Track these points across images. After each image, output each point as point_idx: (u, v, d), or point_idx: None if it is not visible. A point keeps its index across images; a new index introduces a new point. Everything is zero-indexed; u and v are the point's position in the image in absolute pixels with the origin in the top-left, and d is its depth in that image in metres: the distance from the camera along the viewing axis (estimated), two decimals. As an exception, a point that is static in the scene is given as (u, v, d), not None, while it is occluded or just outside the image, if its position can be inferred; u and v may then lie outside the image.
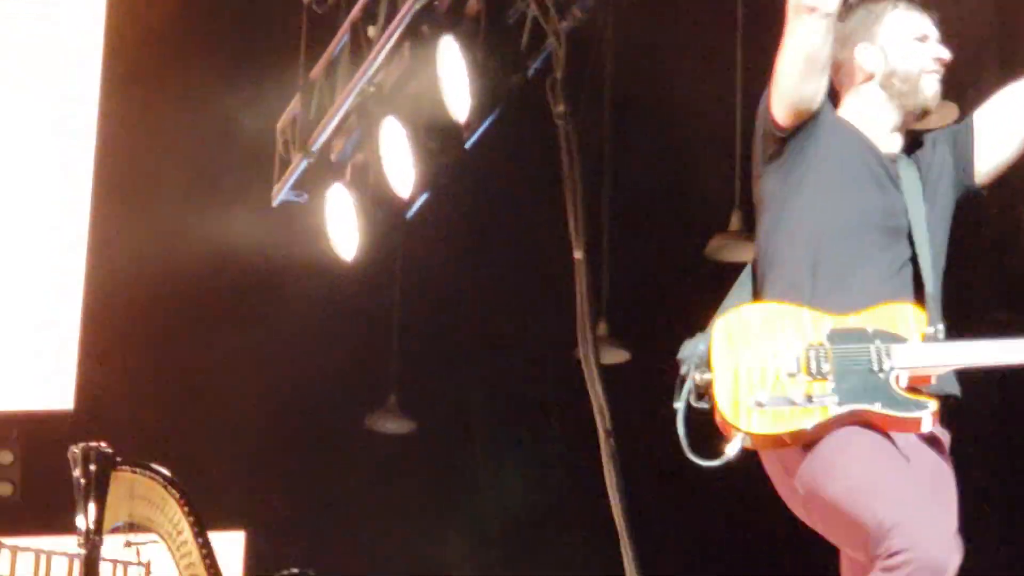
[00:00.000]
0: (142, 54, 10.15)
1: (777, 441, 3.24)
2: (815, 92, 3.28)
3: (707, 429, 3.21)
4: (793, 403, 3.16)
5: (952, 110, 3.95)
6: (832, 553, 3.32)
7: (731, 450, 3.18)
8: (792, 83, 3.30)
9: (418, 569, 8.22)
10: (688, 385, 3.31)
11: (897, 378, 3.19)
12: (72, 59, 11.04)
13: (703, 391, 3.30)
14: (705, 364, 3.32)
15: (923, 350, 3.23)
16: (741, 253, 6.49)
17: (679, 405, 3.26)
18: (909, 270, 3.34)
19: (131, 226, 9.88)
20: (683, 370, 3.34)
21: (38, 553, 7.69)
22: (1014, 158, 3.50)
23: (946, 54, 3.39)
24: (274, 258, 8.76)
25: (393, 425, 8.84)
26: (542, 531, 8.29)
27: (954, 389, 3.28)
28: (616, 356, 7.40)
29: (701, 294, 3.61)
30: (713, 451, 3.21)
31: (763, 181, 3.45)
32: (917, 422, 3.17)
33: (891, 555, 2.91)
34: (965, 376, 3.27)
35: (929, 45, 3.39)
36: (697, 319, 3.35)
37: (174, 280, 9.04)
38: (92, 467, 5.25)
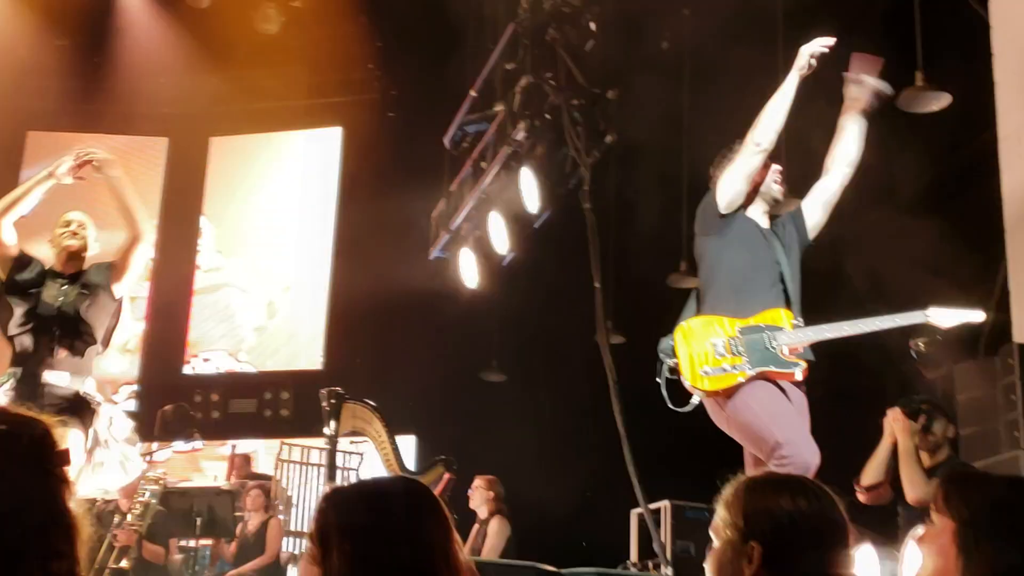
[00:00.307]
0: (362, 173, 11.47)
1: (717, 394, 4.05)
2: (742, 195, 4.14)
3: (678, 389, 4.08)
4: (724, 371, 4.03)
5: (794, 202, 4.44)
6: (740, 451, 4.07)
7: (693, 401, 4.14)
8: (736, 189, 4.10)
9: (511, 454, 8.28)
10: (665, 365, 4.16)
11: (781, 350, 4.04)
12: (325, 181, 12.12)
13: (672, 368, 4.14)
14: (672, 353, 4.14)
15: (793, 334, 4.09)
16: (688, 283, 7.49)
17: (660, 378, 4.17)
18: (781, 289, 4.15)
19: (357, 265, 11.11)
20: (661, 357, 4.19)
21: (305, 448, 9.44)
22: (824, 222, 4.28)
23: (780, 168, 4.24)
24: (431, 286, 9.51)
25: (494, 376, 9.90)
26: (573, 435, 8.92)
27: (810, 356, 4.11)
28: (617, 339, 8.25)
29: (668, 307, 4.61)
30: (682, 402, 4.10)
31: (704, 242, 4.29)
32: (793, 374, 4.05)
33: (781, 457, 3.75)
34: (816, 347, 4.12)
35: (773, 169, 4.22)
36: (666, 321, 4.25)
37: (381, 295, 9.95)
38: (332, 401, 5.53)
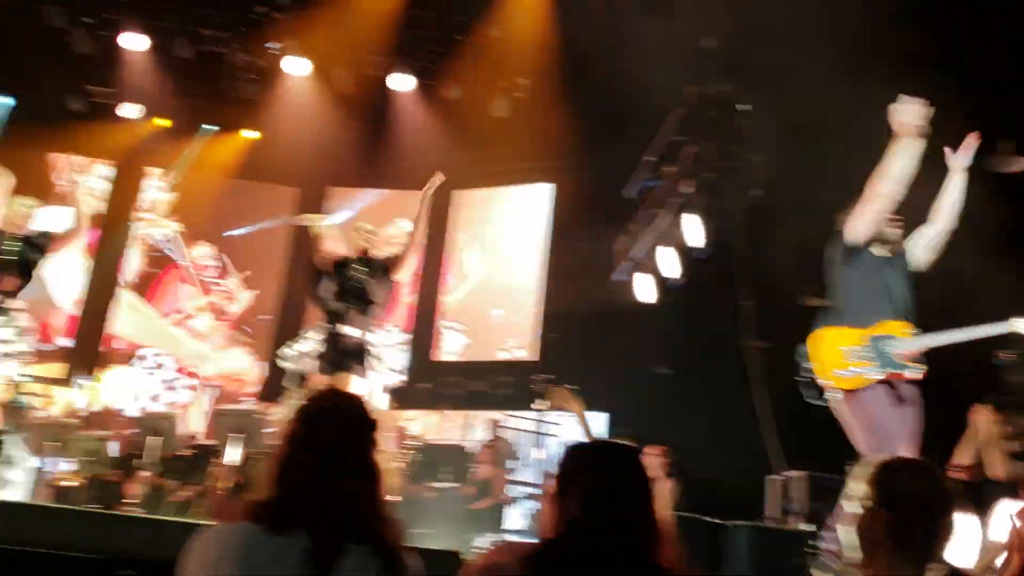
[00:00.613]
0: (566, 216, 11.78)
1: (844, 391, 3.94)
2: (865, 235, 3.99)
3: (812, 386, 4.05)
4: (854, 373, 3.92)
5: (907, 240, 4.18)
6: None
7: (827, 396, 4.04)
8: (860, 230, 3.97)
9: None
10: (802, 366, 4.09)
11: (900, 355, 3.90)
12: (538, 222, 12.29)
13: (808, 369, 4.06)
14: (808, 357, 4.07)
15: (909, 342, 3.96)
16: (816, 302, 6.01)
17: (799, 376, 4.11)
18: (896, 308, 4.03)
19: (562, 283, 11.22)
20: (798, 360, 4.13)
21: (521, 418, 9.48)
22: (929, 259, 4.15)
23: (897, 215, 4.04)
24: (616, 301, 9.63)
25: (663, 370, 9.36)
26: (725, 418, 8.29)
27: (922, 361, 3.94)
28: (759, 345, 7.93)
29: (799, 320, 4.51)
30: (816, 396, 4.06)
31: (834, 269, 4.14)
32: (909, 375, 3.92)
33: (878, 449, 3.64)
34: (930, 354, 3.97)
35: (891, 215, 4.02)
36: (798, 331, 4.19)
37: (579, 307, 10.03)
38: (544, 385, 6.43)
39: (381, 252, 5.97)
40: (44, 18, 11.11)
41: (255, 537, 1.70)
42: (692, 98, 8.22)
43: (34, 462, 7.04)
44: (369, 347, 5.74)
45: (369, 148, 12.52)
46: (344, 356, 5.60)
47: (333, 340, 5.66)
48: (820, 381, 3.99)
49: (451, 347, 12.53)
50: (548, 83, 10.74)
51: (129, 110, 12.32)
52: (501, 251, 12.44)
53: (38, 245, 5.34)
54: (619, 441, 2.10)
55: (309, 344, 5.78)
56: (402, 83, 11.59)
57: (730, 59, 8.22)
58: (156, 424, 7.98)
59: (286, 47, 10.93)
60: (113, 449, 8.98)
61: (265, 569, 1.68)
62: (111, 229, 12.77)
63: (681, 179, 8.40)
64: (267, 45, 10.61)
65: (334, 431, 1.82)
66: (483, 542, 7.94)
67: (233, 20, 10.77)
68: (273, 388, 11.37)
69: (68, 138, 12.33)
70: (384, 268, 5.85)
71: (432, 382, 10.48)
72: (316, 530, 1.71)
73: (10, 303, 5.24)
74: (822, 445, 5.02)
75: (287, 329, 11.39)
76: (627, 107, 9.69)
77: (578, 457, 1.92)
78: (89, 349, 12.45)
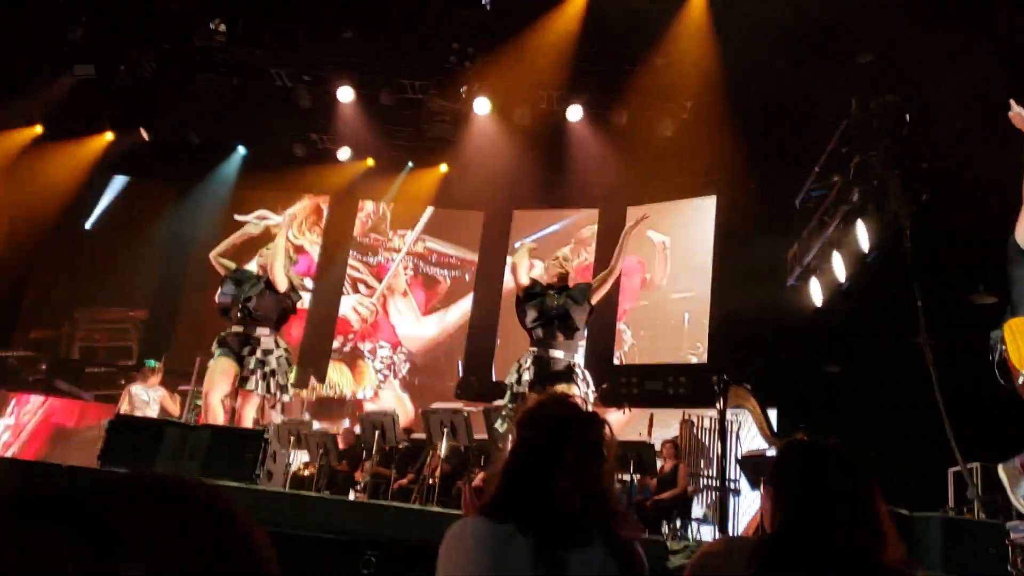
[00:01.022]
0: (729, 226, 11.58)
1: None
2: None
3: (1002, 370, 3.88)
4: None
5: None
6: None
7: (1019, 380, 3.82)
8: None
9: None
10: (996, 351, 3.92)
11: None
12: (704, 231, 12.11)
13: (1002, 353, 3.88)
14: (1002, 341, 3.89)
15: None
16: (985, 300, 7.49)
17: (992, 359, 3.95)
18: None
19: (729, 289, 11.15)
20: (992, 345, 3.96)
21: (699, 416, 9.61)
22: None
23: None
24: (786, 304, 9.74)
25: (832, 368, 9.33)
26: (894, 412, 8.05)
27: None
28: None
29: (969, 317, 4.98)
30: (1007, 379, 3.88)
31: (1012, 267, 3.98)
32: None
33: None
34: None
35: None
36: (968, 328, 4.29)
37: (748, 310, 9.90)
38: (721, 384, 5.56)
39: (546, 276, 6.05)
40: (272, 78, 12.13)
41: (495, 532, 1.68)
42: (856, 109, 8.10)
43: (287, 456, 7.58)
44: (577, 369, 5.74)
45: (547, 173, 12.85)
46: (554, 379, 5.58)
47: (541, 364, 5.67)
48: (1014, 367, 3.83)
49: (629, 350, 12.57)
50: (710, 103, 10.68)
51: (343, 153, 13.17)
52: (672, 260, 12.41)
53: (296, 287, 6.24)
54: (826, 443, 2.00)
55: (520, 369, 5.78)
56: (574, 113, 11.71)
57: (891, 68, 8.10)
58: (378, 420, 8.32)
59: (474, 90, 11.36)
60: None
61: (508, 566, 1.64)
62: (331, 251, 13.62)
63: (848, 186, 8.24)
64: (460, 90, 11.10)
65: (562, 431, 1.76)
66: (666, 531, 8.03)
67: (428, 70, 11.35)
68: (466, 388, 11.96)
69: (292, 180, 13.44)
70: (584, 294, 5.87)
71: (612, 383, 10.39)
72: (550, 528, 1.67)
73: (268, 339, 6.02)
74: (997, 436, 4.85)
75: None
76: (786, 122, 9.82)
77: (797, 455, 1.83)
78: (320, 355, 13.29)
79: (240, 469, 5.13)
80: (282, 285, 6.11)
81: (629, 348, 12.52)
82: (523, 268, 5.97)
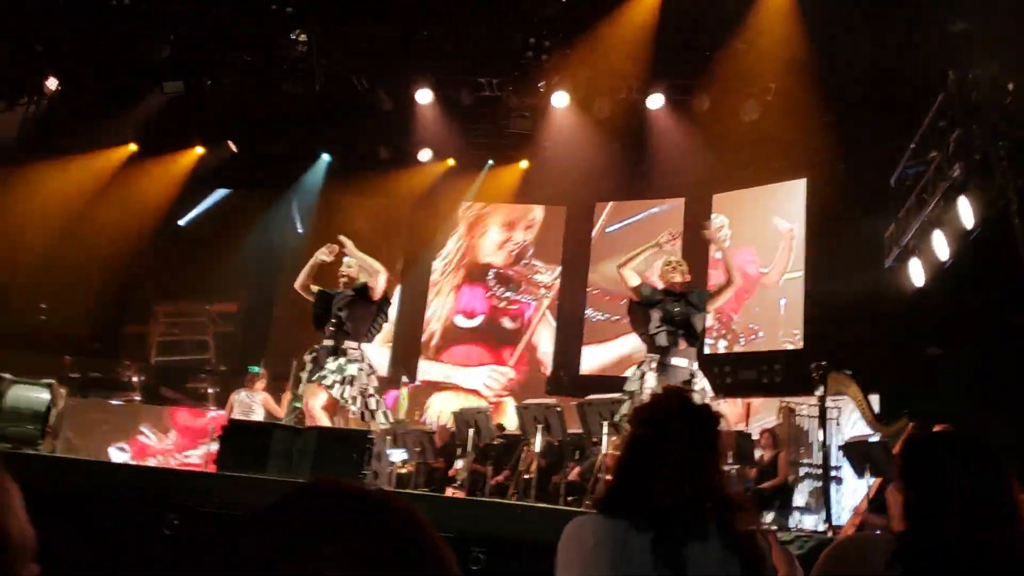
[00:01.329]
0: (820, 209, 11.24)
1: None
2: None
3: None
4: None
5: None
6: None
7: None
8: None
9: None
10: None
11: None
12: (794, 216, 11.74)
13: None
14: None
15: None
16: None
17: None
18: None
19: (823, 273, 10.87)
20: None
21: (796, 404, 9.35)
22: None
23: None
24: (882, 287, 9.37)
25: (933, 351, 8.96)
26: (999, 393, 7.69)
27: None
28: None
29: None
30: None
31: None
32: None
33: None
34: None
35: None
36: None
37: (844, 293, 9.77)
38: (820, 372, 5.77)
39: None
40: (353, 84, 12.40)
41: (612, 528, 1.68)
42: (954, 81, 7.70)
43: (392, 456, 7.70)
44: (697, 378, 5.71)
45: (629, 164, 12.86)
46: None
47: (664, 372, 5.62)
48: None
49: (718, 340, 12.37)
50: (796, 83, 10.46)
51: (424, 154, 13.37)
52: (762, 246, 12.18)
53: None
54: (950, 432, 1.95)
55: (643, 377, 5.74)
56: (655, 101, 11.66)
57: (987, 35, 7.78)
58: (472, 417, 8.43)
59: (552, 84, 11.39)
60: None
61: (628, 564, 1.64)
62: (416, 253, 13.89)
63: (948, 162, 7.86)
64: (538, 85, 11.15)
65: (674, 424, 1.76)
66: (769, 520, 7.91)
67: (506, 67, 11.43)
68: (556, 384, 12.05)
69: (376, 184, 13.73)
70: (703, 301, 5.86)
71: (705, 373, 10.23)
72: (664, 522, 1.66)
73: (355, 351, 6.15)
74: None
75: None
76: (873, 98, 9.56)
77: (926, 449, 1.75)
78: (409, 360, 13.58)
79: (347, 469, 5.28)
80: (379, 290, 6.25)
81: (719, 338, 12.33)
82: (631, 273, 5.96)
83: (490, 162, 13.67)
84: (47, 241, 13.38)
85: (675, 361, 5.67)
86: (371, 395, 6.10)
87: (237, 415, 8.71)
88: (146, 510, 4.68)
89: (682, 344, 5.70)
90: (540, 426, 7.61)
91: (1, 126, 13.21)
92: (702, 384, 5.71)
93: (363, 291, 6.20)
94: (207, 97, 12.40)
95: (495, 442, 9.27)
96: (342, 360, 5.99)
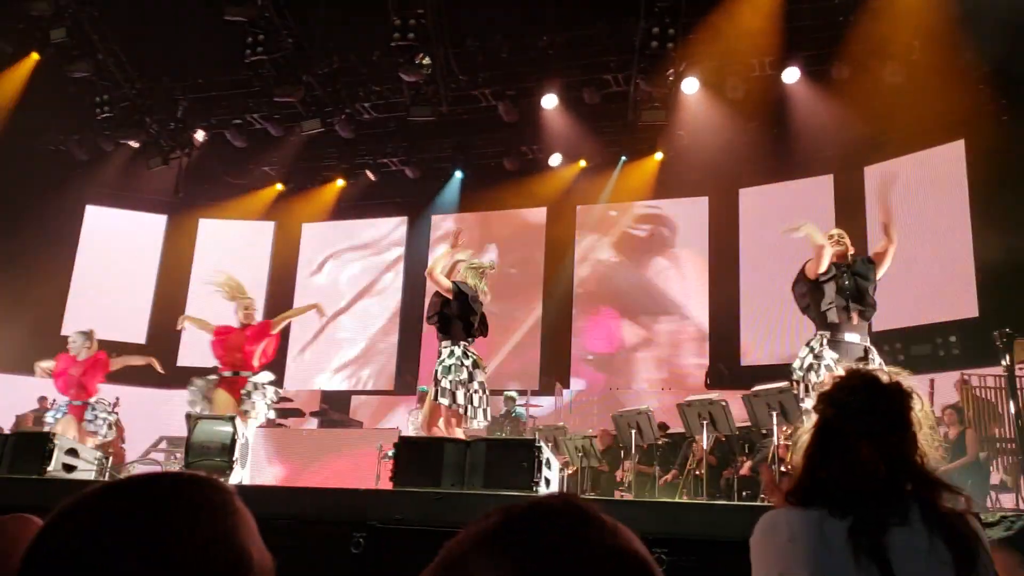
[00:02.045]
0: (984, 169, 10.68)
1: None
2: None
3: None
4: None
5: None
6: None
7: None
8: None
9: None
10: None
11: None
12: (955, 180, 11.31)
13: None
14: None
15: None
16: None
17: None
18: None
19: (994, 238, 10.15)
20: None
21: (981, 376, 9.01)
22: None
23: None
24: None
25: None
26: None
27: None
28: None
29: None
30: None
31: None
32: None
33: None
34: None
35: None
36: None
37: (1017, 262, 9.48)
38: (1004, 340, 5.80)
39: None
40: (477, 100, 12.71)
41: (806, 520, 1.62)
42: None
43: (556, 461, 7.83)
44: (873, 354, 5.57)
45: (770, 144, 12.51)
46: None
47: (837, 349, 5.45)
48: None
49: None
50: (942, 39, 10.03)
51: (554, 159, 13.53)
52: (922, 217, 11.55)
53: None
54: None
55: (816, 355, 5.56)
56: (791, 75, 11.44)
57: None
58: (633, 419, 8.40)
59: (680, 71, 11.28)
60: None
61: (826, 555, 1.57)
62: (557, 257, 14.01)
63: None
64: (666, 74, 11.06)
65: (868, 404, 1.68)
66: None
67: (630, 60, 11.40)
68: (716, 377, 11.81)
69: (508, 195, 13.97)
70: (870, 269, 5.67)
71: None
72: (860, 507, 1.59)
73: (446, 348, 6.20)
74: None
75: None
76: None
77: None
78: (559, 362, 13.65)
79: (519, 478, 5.33)
80: (442, 287, 6.26)
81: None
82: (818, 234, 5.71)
83: (623, 158, 13.60)
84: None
85: (848, 337, 5.45)
86: (475, 392, 6.09)
87: (410, 434, 9.01)
88: (332, 531, 4.84)
89: (856, 319, 5.49)
90: (705, 422, 7.56)
91: (161, 181, 14.27)
92: (878, 360, 5.50)
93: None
94: (342, 130, 12.94)
95: (659, 442, 9.21)
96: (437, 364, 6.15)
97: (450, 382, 6.03)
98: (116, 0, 11.60)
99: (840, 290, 5.52)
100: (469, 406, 6.07)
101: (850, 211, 11.37)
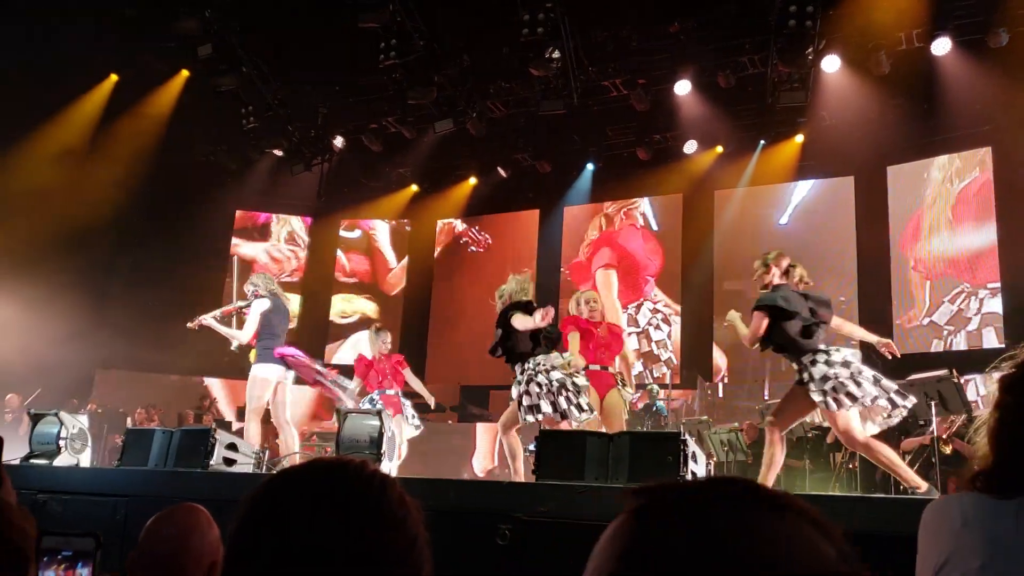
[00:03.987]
0: None
1: None
2: None
3: None
4: None
5: None
6: None
7: None
8: None
9: None
10: None
11: None
12: None
13: None
14: None
15: None
16: None
17: None
18: None
19: None
20: None
21: None
22: None
23: None
24: None
25: None
26: None
27: None
28: None
29: None
30: None
31: None
32: None
33: None
34: None
35: None
36: None
37: None
38: None
39: None
40: (608, 90, 12.67)
41: (988, 505, 1.55)
42: None
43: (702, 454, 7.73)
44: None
45: (919, 120, 12.07)
46: None
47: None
48: None
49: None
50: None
51: (689, 146, 13.36)
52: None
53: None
54: None
55: None
56: (941, 46, 10.87)
57: None
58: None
59: (820, 49, 10.89)
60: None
61: (1005, 538, 1.51)
62: (693, 245, 13.80)
63: None
64: (805, 52, 10.67)
65: None
66: None
67: (767, 41, 11.09)
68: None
69: (641, 184, 13.87)
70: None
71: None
72: None
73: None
74: None
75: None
76: None
77: None
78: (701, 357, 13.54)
79: (664, 472, 5.26)
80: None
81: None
82: None
83: (762, 142, 13.24)
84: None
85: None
86: (569, 391, 6.05)
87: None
88: (478, 522, 4.93)
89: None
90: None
91: (304, 186, 14.95)
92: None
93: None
94: (474, 129, 13.17)
95: (809, 435, 8.94)
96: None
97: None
98: (256, 14, 12.17)
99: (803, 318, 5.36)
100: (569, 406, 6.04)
101: (1011, 182, 10.77)
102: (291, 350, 7.42)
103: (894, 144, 12.29)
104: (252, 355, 7.44)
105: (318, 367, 7.53)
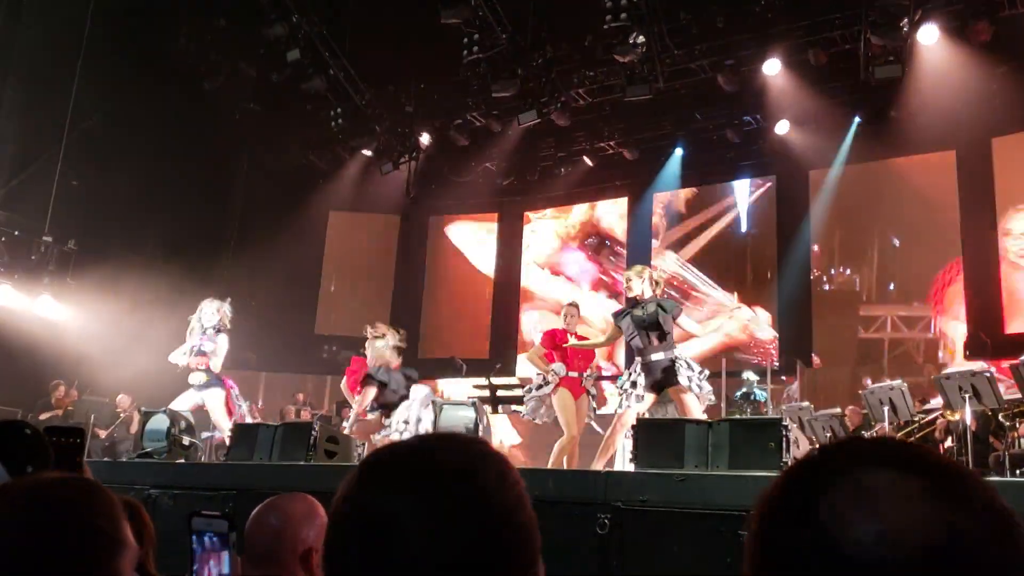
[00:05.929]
0: None
1: None
2: None
3: None
4: None
5: None
6: None
7: None
8: None
9: None
10: None
11: None
12: None
13: None
14: None
15: None
16: None
17: None
18: None
19: None
20: None
21: None
22: None
23: None
24: None
25: None
26: None
27: None
28: None
29: None
30: None
31: None
32: None
33: None
34: None
35: None
36: None
37: None
38: None
39: None
40: (694, 72, 12.45)
41: None
42: None
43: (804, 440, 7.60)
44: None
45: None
46: None
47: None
48: None
49: None
50: None
51: (781, 127, 13.03)
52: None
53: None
54: None
55: None
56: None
57: None
58: (886, 394, 7.97)
59: (915, 20, 10.47)
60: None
61: None
62: (790, 229, 13.60)
63: None
64: (900, 24, 10.28)
65: None
66: None
67: (856, 15, 10.74)
68: (976, 347, 10.91)
69: (731, 166, 13.63)
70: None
71: None
72: None
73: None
74: None
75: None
76: None
77: None
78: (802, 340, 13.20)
79: (766, 458, 5.19)
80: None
81: None
82: None
83: (857, 119, 12.80)
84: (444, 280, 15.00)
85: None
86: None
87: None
88: (577, 511, 4.93)
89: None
90: (967, 395, 7.06)
91: (393, 185, 15.16)
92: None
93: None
94: (559, 119, 13.15)
95: (915, 418, 8.64)
96: None
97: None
98: (341, 15, 12.39)
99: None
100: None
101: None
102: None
103: (999, 115, 11.80)
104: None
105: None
